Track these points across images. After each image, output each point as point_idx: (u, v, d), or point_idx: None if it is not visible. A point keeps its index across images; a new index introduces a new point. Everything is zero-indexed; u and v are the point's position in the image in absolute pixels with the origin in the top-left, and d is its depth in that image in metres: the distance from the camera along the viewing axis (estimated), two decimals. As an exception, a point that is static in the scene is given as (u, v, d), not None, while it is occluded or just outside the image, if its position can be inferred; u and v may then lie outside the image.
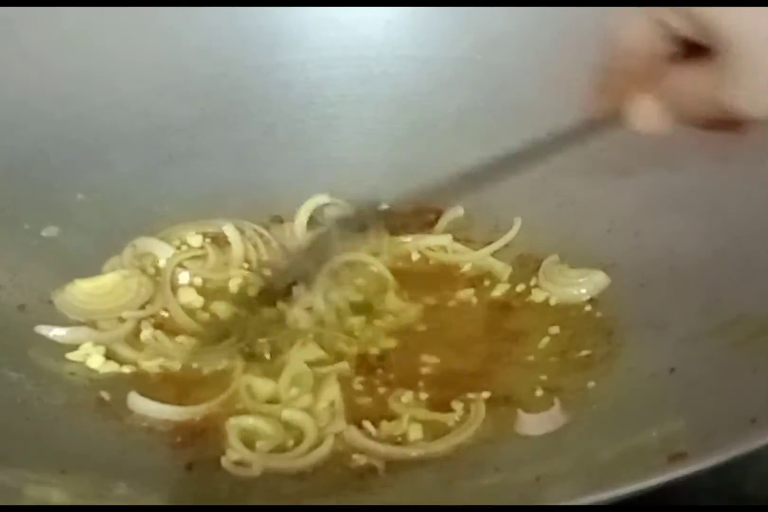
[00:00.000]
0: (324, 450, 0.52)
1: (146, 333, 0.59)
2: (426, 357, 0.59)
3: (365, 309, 0.62)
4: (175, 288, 0.62)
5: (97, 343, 0.58)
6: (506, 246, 0.65)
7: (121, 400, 0.55)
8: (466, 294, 0.63)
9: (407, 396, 0.56)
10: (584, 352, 0.57)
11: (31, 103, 0.64)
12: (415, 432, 0.53)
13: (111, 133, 0.66)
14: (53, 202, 0.64)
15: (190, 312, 0.61)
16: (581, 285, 0.61)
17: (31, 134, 0.64)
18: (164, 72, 0.68)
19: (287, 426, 0.54)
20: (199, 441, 0.53)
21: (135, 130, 0.67)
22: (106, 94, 0.67)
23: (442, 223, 0.67)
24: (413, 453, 0.52)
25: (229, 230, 0.65)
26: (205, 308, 0.62)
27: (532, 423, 0.53)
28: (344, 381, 0.56)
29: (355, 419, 0.54)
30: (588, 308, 0.60)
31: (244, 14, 0.69)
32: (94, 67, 0.67)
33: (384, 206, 0.67)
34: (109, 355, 0.58)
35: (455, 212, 0.67)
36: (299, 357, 0.57)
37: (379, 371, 0.58)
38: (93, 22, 0.66)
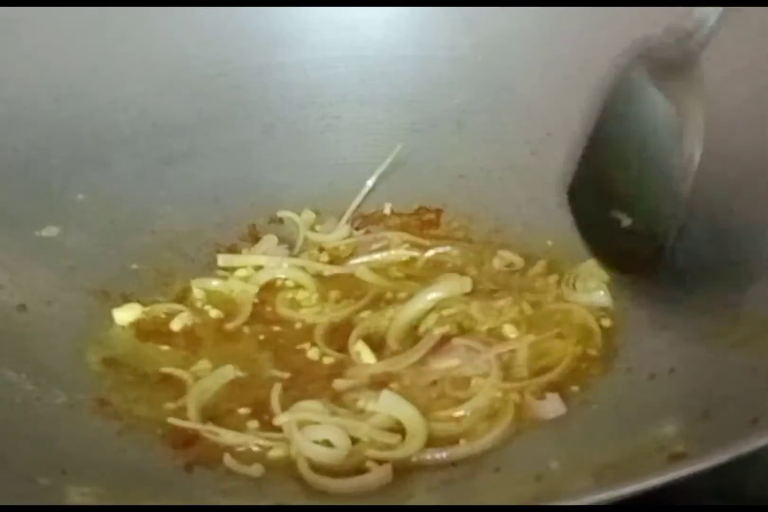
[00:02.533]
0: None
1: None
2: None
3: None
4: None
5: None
6: (506, 247, 0.65)
7: (122, 400, 0.55)
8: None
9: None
10: (584, 352, 0.57)
11: (31, 103, 0.64)
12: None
13: (111, 133, 0.66)
14: (53, 202, 0.64)
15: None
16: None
17: (31, 134, 0.64)
18: (164, 72, 0.68)
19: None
20: (200, 442, 0.53)
21: (135, 130, 0.67)
22: (105, 94, 0.67)
23: (442, 223, 0.67)
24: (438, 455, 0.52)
25: None
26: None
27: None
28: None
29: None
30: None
31: (244, 14, 0.69)
32: (94, 67, 0.67)
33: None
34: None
35: (455, 212, 0.67)
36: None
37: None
38: (93, 22, 0.66)
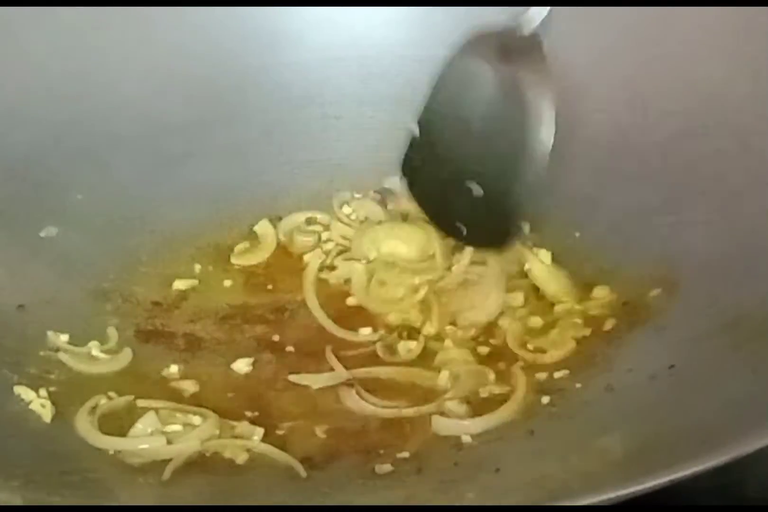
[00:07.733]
0: None
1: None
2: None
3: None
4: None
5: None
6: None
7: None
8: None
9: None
10: (584, 353, 0.57)
11: (31, 104, 0.64)
12: None
13: (111, 133, 0.66)
14: (53, 202, 0.63)
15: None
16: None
17: (30, 134, 0.64)
18: (164, 72, 0.68)
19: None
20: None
21: (135, 130, 0.67)
22: (105, 94, 0.66)
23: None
24: None
25: None
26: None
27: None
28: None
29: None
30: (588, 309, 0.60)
31: (244, 14, 0.69)
32: (94, 67, 0.66)
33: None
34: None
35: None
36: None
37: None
38: (92, 23, 0.66)
